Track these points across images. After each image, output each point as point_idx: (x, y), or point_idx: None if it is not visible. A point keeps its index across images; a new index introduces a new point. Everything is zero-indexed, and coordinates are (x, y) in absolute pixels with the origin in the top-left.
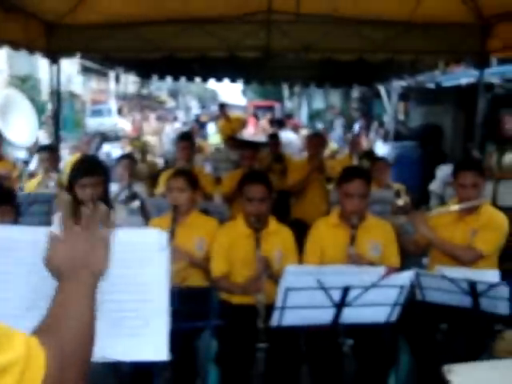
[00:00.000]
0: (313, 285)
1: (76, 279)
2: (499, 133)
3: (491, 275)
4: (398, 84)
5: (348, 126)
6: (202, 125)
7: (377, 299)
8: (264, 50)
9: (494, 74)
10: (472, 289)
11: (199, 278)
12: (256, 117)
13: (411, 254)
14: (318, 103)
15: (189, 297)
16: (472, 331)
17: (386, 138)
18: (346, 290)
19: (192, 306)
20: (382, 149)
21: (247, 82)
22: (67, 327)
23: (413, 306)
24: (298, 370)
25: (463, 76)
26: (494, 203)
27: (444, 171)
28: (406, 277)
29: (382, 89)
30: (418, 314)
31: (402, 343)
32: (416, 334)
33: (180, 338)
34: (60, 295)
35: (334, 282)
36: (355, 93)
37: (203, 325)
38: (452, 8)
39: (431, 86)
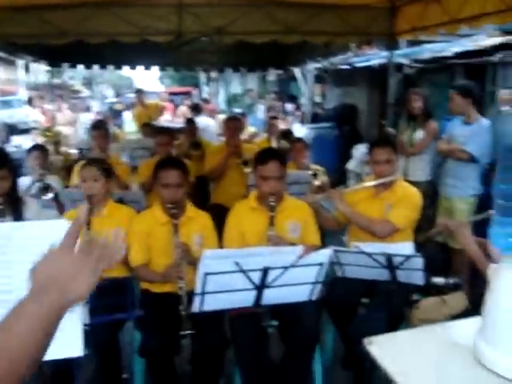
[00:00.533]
0: (231, 268)
1: (41, 298)
2: (409, 111)
3: (406, 248)
4: (313, 66)
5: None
6: (117, 113)
7: (297, 278)
8: (176, 34)
9: (404, 54)
10: (389, 262)
11: (118, 268)
12: (173, 103)
13: (330, 232)
14: (236, 88)
15: (108, 289)
16: (391, 303)
17: (303, 121)
18: (265, 272)
19: (112, 298)
20: (300, 131)
21: (162, 69)
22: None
23: (334, 282)
24: (223, 355)
25: (375, 57)
26: (406, 178)
27: (360, 150)
28: (324, 254)
29: (297, 71)
30: (340, 291)
31: (326, 320)
32: (338, 310)
33: (102, 331)
34: (17, 308)
35: (253, 264)
36: (272, 76)
37: (125, 317)
38: None
39: (345, 67)
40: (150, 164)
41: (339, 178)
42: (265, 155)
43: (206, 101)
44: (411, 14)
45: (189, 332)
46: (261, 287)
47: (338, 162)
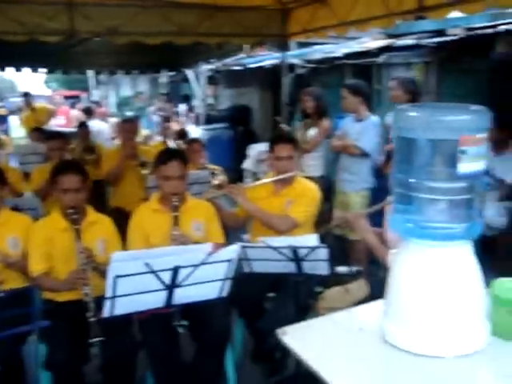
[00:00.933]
0: (142, 269)
1: None
2: (303, 110)
3: (310, 240)
4: (206, 67)
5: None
6: (1, 118)
7: (207, 276)
8: (67, 34)
9: (296, 55)
10: (294, 254)
11: (18, 279)
12: (68, 106)
13: (231, 231)
14: (126, 91)
15: (8, 301)
16: (298, 295)
17: (197, 122)
18: (175, 271)
19: (13, 310)
20: (194, 132)
21: (51, 71)
22: None
23: (240, 279)
24: (134, 359)
25: (267, 58)
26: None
27: (256, 150)
28: (232, 250)
29: (190, 73)
30: (245, 287)
31: (235, 317)
32: (246, 306)
33: (3, 346)
34: None
35: (163, 263)
36: (163, 78)
37: (28, 329)
38: None
39: (238, 68)
40: (43, 169)
41: (236, 177)
42: (166, 155)
43: (97, 104)
44: (302, 16)
45: (98, 339)
46: (172, 287)
47: (233, 161)
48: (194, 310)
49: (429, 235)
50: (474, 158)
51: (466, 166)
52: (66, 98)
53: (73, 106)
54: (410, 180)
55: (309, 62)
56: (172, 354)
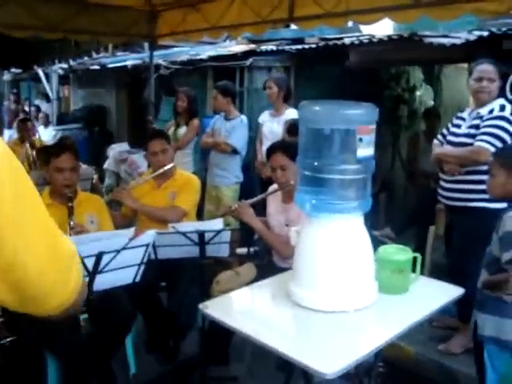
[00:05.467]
0: None
1: None
2: (175, 109)
3: (216, 224)
4: (58, 66)
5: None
6: None
7: (126, 261)
8: None
9: (159, 56)
10: (201, 238)
11: None
12: None
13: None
14: None
15: None
16: (201, 278)
17: (47, 123)
18: (99, 257)
19: None
20: (45, 134)
21: None
22: None
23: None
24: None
25: (129, 58)
26: None
27: (116, 150)
28: (150, 235)
29: (40, 71)
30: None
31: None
32: (139, 296)
33: None
34: None
35: (88, 250)
36: (7, 76)
37: None
38: None
39: (95, 67)
40: None
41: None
42: (58, 148)
43: None
44: (172, 19)
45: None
46: (94, 273)
47: (90, 162)
48: (95, 300)
49: (330, 210)
50: (367, 145)
51: (362, 151)
52: None
53: None
54: (316, 163)
55: (172, 63)
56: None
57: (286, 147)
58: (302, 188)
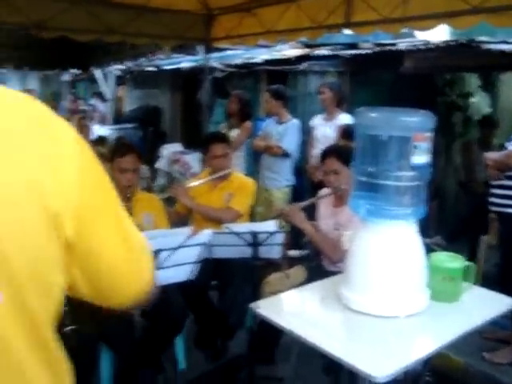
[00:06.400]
0: None
1: None
2: (228, 111)
3: (269, 225)
4: (116, 68)
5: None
6: None
7: (183, 259)
8: None
9: (214, 58)
10: (254, 239)
11: None
12: None
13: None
14: (14, 87)
15: None
16: (253, 278)
17: (102, 122)
18: (156, 253)
19: None
20: (100, 133)
21: None
22: None
23: None
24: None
25: (185, 60)
26: None
27: (169, 150)
28: (207, 234)
29: (97, 72)
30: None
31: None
32: (191, 294)
33: None
34: None
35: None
36: (65, 76)
37: None
38: None
39: (151, 69)
40: None
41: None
42: (122, 148)
43: None
44: (227, 23)
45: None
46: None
47: (143, 161)
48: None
49: (385, 215)
50: (423, 152)
51: (417, 159)
52: None
53: None
54: (371, 169)
55: (227, 65)
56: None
57: (340, 152)
58: (357, 193)
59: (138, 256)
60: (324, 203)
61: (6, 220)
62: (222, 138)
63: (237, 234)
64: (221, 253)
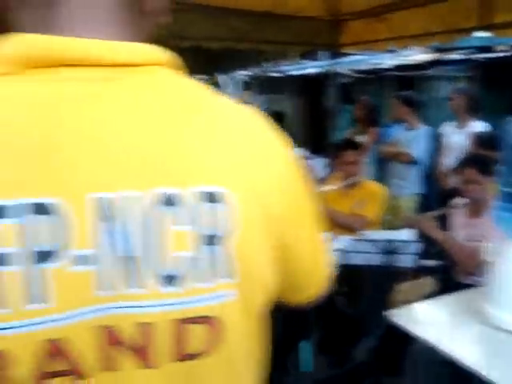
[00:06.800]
0: None
1: None
2: (356, 117)
3: (404, 234)
4: (243, 74)
5: None
6: None
7: None
8: None
9: (339, 64)
10: (389, 247)
11: None
12: None
13: None
14: None
15: None
16: (386, 285)
17: None
18: None
19: None
20: None
21: None
22: None
23: None
24: None
25: (310, 66)
26: None
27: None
28: (344, 240)
29: (221, 78)
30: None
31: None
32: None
33: None
34: None
35: None
36: None
37: None
38: (310, 3)
39: (277, 75)
40: None
41: None
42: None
43: None
44: (355, 28)
45: None
46: None
47: None
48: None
49: None
50: None
51: None
52: None
53: None
54: None
55: (352, 71)
56: None
57: (481, 161)
58: (504, 205)
59: (322, 251)
60: (458, 213)
61: None
62: (356, 145)
63: (374, 241)
64: (353, 259)
